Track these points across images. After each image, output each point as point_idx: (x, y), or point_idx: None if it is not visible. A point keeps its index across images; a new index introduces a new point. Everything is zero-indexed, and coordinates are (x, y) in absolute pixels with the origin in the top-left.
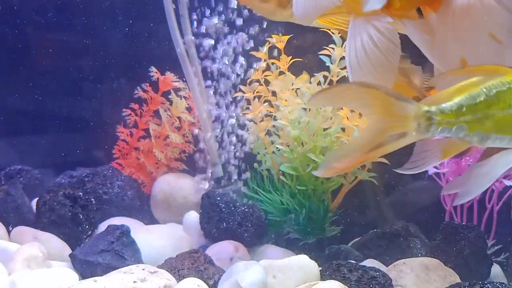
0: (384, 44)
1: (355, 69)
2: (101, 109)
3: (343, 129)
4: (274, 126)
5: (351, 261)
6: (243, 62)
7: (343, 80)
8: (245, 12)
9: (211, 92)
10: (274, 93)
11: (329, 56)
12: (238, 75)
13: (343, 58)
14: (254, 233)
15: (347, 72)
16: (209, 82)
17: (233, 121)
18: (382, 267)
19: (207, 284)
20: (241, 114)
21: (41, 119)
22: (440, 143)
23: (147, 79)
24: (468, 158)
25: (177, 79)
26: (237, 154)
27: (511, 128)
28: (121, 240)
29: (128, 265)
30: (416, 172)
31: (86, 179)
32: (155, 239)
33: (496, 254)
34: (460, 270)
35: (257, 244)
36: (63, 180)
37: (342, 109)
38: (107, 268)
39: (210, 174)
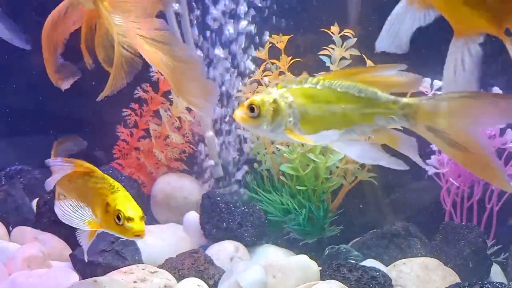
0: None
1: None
2: (101, 109)
3: None
4: None
5: (351, 261)
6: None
7: None
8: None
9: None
10: None
11: (329, 56)
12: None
13: (342, 58)
14: (254, 233)
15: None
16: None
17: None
18: (382, 267)
19: (207, 284)
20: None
21: (41, 119)
22: None
23: (147, 79)
24: None
25: None
26: (237, 154)
27: None
28: (121, 240)
29: (128, 265)
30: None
31: None
32: (155, 239)
33: (496, 254)
34: (460, 270)
35: (257, 244)
36: None
37: None
38: (107, 268)
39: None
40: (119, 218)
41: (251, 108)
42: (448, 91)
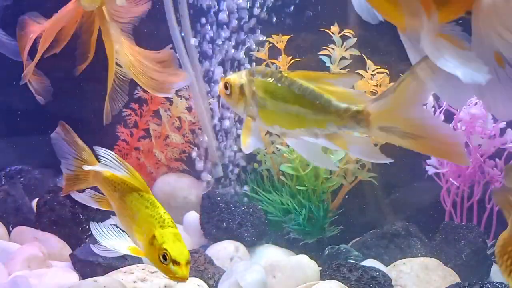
0: None
1: None
2: (101, 109)
3: None
4: None
5: (351, 261)
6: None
7: None
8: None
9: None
10: None
11: (329, 56)
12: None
13: (343, 58)
14: (254, 233)
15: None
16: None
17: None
18: (382, 267)
19: (207, 284)
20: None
21: (41, 119)
22: None
23: None
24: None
25: None
26: (237, 154)
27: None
28: None
29: (128, 265)
30: None
31: None
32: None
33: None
34: (460, 270)
35: (257, 244)
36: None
37: None
38: (107, 268)
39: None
40: (164, 258)
41: (225, 85)
42: None
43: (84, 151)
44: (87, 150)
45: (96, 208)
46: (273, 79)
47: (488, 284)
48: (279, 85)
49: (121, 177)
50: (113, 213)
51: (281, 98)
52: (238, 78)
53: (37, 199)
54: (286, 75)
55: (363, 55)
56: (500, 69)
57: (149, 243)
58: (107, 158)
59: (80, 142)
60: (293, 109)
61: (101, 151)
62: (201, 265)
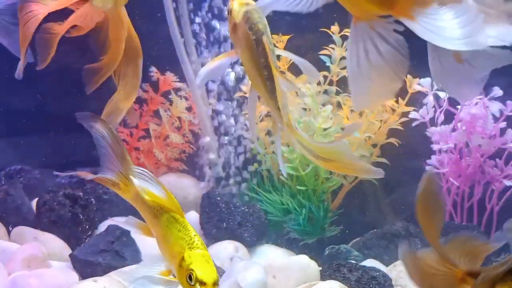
0: (391, 55)
1: (356, 79)
2: (101, 109)
3: (343, 129)
4: None
5: (351, 261)
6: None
7: (343, 80)
8: None
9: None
10: None
11: (329, 56)
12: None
13: (343, 58)
14: (254, 233)
15: (347, 74)
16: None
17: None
18: (382, 267)
19: None
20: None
21: (41, 119)
22: None
23: (147, 79)
24: (468, 158)
25: (177, 79)
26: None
27: None
28: (121, 240)
29: (128, 265)
30: None
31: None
32: (155, 239)
33: (496, 254)
34: None
35: (257, 244)
36: (63, 180)
37: (342, 109)
38: (107, 268)
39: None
40: (190, 278)
41: (228, 10)
42: (354, 86)
43: (131, 170)
44: (132, 170)
45: (96, 208)
46: (254, 37)
47: None
48: (254, 47)
49: (158, 201)
50: (112, 215)
51: (248, 59)
52: (237, 12)
53: (37, 199)
54: (264, 42)
55: None
56: (459, 65)
57: (178, 265)
58: (144, 177)
59: (128, 159)
60: (253, 75)
61: (138, 170)
62: None
